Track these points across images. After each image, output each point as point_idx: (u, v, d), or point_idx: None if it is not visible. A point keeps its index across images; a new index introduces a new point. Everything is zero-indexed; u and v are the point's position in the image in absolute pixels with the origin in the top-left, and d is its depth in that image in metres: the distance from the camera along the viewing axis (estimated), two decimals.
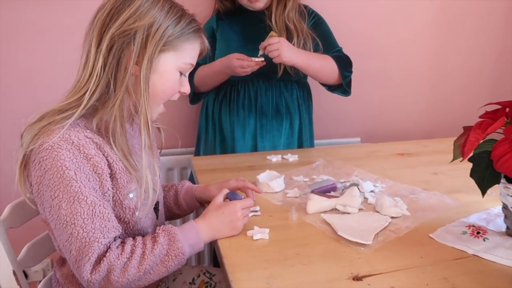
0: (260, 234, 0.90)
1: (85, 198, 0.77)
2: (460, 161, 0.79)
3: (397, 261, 0.81)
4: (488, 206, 1.05)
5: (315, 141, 1.75)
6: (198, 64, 1.53)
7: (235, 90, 1.57)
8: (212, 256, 1.85)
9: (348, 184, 1.17)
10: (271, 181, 1.16)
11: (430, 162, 1.45)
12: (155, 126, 1.03)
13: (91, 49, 0.82)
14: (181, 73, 0.90)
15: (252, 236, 0.89)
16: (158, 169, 0.96)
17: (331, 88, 1.60)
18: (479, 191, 0.84)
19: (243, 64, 1.39)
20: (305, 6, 1.60)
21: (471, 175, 0.81)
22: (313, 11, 1.61)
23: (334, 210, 1.03)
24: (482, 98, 2.08)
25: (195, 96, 1.61)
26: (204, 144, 1.66)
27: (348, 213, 1.01)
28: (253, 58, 1.39)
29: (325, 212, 1.02)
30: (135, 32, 0.81)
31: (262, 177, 1.20)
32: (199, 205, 1.09)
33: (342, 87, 1.56)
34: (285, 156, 1.49)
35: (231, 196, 0.96)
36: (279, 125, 1.59)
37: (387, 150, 1.59)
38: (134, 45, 0.81)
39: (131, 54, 0.81)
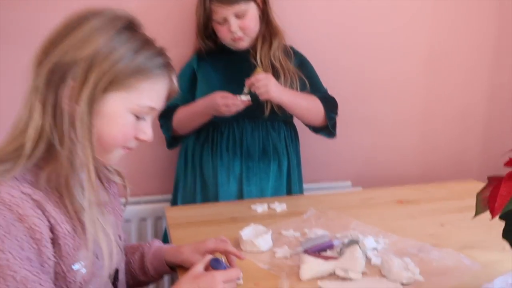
0: None
1: (14, 274, 0.59)
2: (490, 220, 0.64)
3: None
4: (510, 267, 0.90)
5: (304, 185, 1.60)
6: (177, 105, 1.40)
7: (218, 131, 1.43)
8: None
9: (346, 240, 1.00)
10: (256, 238, 0.99)
11: (434, 211, 1.30)
12: (114, 169, 0.85)
13: (30, 84, 0.66)
14: (137, 117, 0.72)
15: None
16: (120, 229, 0.80)
17: (315, 129, 1.49)
18: (496, 247, 0.70)
19: (228, 102, 1.26)
20: (291, 47, 1.50)
21: (505, 236, 0.67)
22: (298, 51, 1.52)
23: (333, 275, 0.86)
24: (475, 138, 2.00)
25: (173, 140, 1.46)
26: (183, 190, 1.49)
27: (350, 279, 0.84)
28: (238, 97, 1.26)
29: (322, 278, 0.85)
30: (74, 64, 0.65)
31: (246, 233, 1.03)
32: (169, 270, 0.91)
33: (327, 128, 1.45)
34: (272, 205, 1.32)
35: (215, 264, 0.78)
36: (267, 167, 1.45)
37: (384, 197, 1.44)
38: (73, 80, 0.65)
39: (69, 92, 0.66)
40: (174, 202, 1.52)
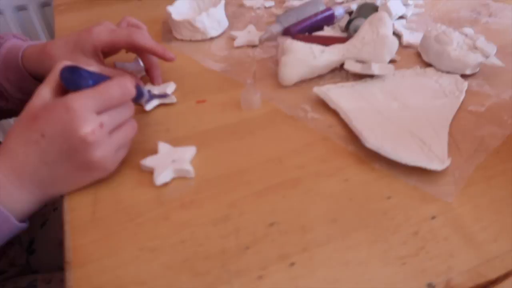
0: (171, 168, 0.35)
1: None
2: None
3: None
4: None
5: None
6: None
7: None
8: None
9: (354, 6, 0.58)
10: (199, 16, 0.55)
11: None
12: None
13: None
14: None
15: (154, 179, 0.34)
16: None
17: None
18: None
19: None
20: None
21: None
22: None
23: (339, 72, 0.47)
24: None
25: None
26: None
27: (372, 77, 0.45)
28: None
29: (321, 78, 0.46)
30: None
31: (179, 9, 0.58)
32: (37, 83, 0.49)
33: None
34: None
35: (71, 77, 0.33)
36: None
37: None
38: None
39: None
40: None
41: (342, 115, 0.40)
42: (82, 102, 0.31)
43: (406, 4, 0.60)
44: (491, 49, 0.46)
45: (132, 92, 0.34)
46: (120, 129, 0.34)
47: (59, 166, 0.32)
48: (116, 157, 0.34)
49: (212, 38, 0.56)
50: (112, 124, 0.33)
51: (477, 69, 0.46)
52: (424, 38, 0.49)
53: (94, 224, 0.32)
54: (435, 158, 0.34)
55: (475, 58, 0.45)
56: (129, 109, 0.35)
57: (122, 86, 0.33)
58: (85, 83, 0.32)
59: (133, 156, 0.37)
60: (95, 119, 0.31)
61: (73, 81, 0.32)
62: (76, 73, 0.33)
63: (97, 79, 0.33)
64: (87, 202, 0.34)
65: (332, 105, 0.41)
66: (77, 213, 0.33)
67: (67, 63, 0.35)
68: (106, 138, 0.33)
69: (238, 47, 0.54)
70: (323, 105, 0.42)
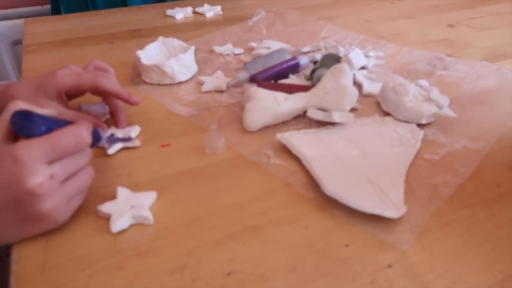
0: (129, 215, 0.34)
1: None
2: None
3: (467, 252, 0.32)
4: None
5: None
6: None
7: None
8: None
9: (319, 56, 0.61)
10: (167, 61, 0.56)
11: (435, 8, 0.91)
12: None
13: None
14: None
15: (111, 226, 0.34)
16: None
17: None
18: None
19: None
20: None
21: None
22: None
23: (303, 119, 0.49)
24: None
25: None
26: None
27: (333, 124, 0.47)
28: None
29: (285, 124, 0.48)
30: None
31: (150, 53, 0.59)
32: None
33: None
34: (199, 9, 0.86)
35: (21, 121, 0.32)
36: None
37: None
38: None
39: None
40: (56, 12, 1.03)
41: (304, 162, 0.41)
42: (31, 152, 0.30)
43: (367, 56, 0.63)
44: (444, 100, 0.48)
45: (88, 140, 0.33)
46: (74, 177, 0.33)
47: (5, 216, 0.30)
48: (69, 207, 0.33)
49: (180, 83, 0.57)
50: (64, 174, 0.32)
51: (433, 119, 0.49)
52: (383, 89, 0.52)
53: (43, 275, 0.30)
54: (392, 206, 0.35)
55: (429, 109, 0.47)
56: (85, 156, 0.34)
57: (76, 135, 0.32)
58: (37, 130, 0.31)
59: (91, 202, 0.36)
60: (45, 170, 0.30)
61: (24, 127, 0.31)
62: (27, 118, 0.32)
63: (52, 125, 0.32)
64: (37, 251, 0.32)
65: (294, 152, 0.42)
66: (25, 263, 0.31)
67: (20, 105, 0.34)
68: (57, 189, 0.31)
69: (205, 92, 0.55)
70: (286, 151, 0.43)
